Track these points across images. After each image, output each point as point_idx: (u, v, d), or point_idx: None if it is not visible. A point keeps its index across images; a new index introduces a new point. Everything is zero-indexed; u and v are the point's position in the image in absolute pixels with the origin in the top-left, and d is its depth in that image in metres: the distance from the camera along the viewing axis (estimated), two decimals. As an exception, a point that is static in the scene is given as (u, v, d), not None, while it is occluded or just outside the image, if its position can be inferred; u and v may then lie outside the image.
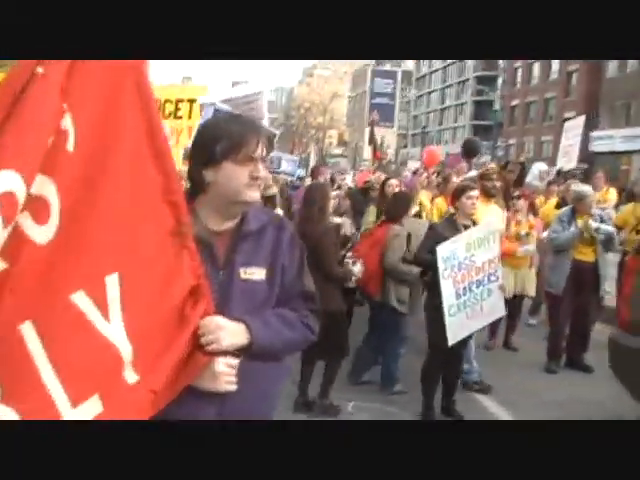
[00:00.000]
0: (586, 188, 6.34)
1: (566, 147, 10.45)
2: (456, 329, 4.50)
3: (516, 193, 6.73)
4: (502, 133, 46.32)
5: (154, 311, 1.66)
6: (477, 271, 4.62)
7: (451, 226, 4.73)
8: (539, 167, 9.26)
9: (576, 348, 6.22)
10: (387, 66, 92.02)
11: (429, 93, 76.43)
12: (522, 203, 6.59)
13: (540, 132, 43.82)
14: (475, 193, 4.74)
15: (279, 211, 5.66)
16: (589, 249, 6.04)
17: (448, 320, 4.46)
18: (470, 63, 62.80)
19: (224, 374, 1.74)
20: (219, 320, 1.73)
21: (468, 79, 63.43)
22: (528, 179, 8.21)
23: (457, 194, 4.80)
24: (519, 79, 48.90)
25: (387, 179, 6.75)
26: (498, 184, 5.83)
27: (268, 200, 5.55)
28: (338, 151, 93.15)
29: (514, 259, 6.36)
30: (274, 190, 6.06)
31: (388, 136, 71.60)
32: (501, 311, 4.98)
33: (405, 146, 76.51)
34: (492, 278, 4.70)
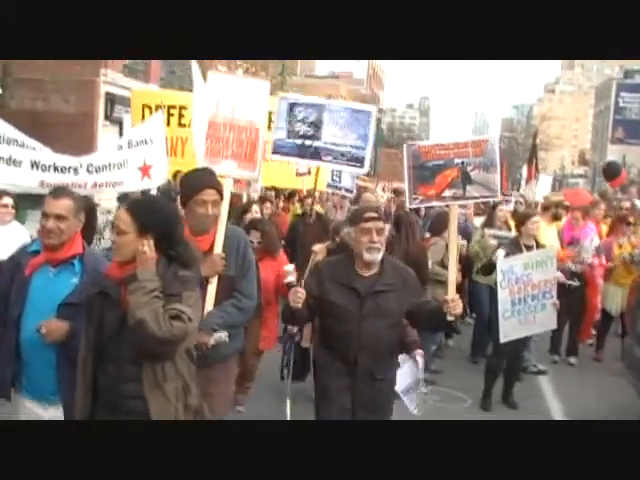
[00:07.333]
0: None
1: None
2: (508, 330, 5.69)
3: (631, 219, 7.47)
4: None
5: None
6: (533, 287, 5.76)
7: (514, 246, 6.00)
8: None
9: None
10: (636, 79, 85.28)
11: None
12: (625, 227, 7.37)
13: None
14: (537, 219, 5.99)
15: None
16: None
17: (502, 322, 5.69)
18: None
19: None
20: None
21: None
22: None
23: (522, 220, 6.07)
24: None
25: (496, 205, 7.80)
26: (562, 211, 7.08)
27: None
28: (579, 171, 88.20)
29: (621, 278, 7.18)
30: None
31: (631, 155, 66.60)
32: (553, 324, 5.97)
33: (651, 165, 70.27)
34: (547, 295, 5.76)
